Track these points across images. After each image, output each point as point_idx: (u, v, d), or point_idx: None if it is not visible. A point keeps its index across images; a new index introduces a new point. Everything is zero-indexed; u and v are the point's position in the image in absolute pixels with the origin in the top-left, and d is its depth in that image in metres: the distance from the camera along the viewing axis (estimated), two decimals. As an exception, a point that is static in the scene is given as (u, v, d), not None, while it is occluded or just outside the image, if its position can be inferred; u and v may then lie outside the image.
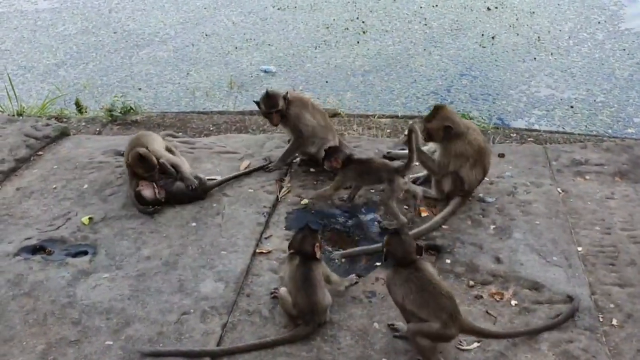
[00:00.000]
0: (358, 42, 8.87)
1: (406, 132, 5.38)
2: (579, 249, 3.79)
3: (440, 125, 4.01)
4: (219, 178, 4.44)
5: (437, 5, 10.12)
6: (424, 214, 4.12)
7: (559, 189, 4.35)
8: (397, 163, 4.11)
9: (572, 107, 6.94)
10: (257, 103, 4.48)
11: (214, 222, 4.07)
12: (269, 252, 3.82)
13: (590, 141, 5.21)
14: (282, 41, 8.96)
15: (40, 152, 5.00)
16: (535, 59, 8.18)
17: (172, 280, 3.60)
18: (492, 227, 3.98)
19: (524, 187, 4.36)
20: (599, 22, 9.24)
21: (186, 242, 3.89)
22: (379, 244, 3.26)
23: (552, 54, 8.30)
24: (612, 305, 3.38)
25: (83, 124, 5.83)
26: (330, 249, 3.84)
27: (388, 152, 4.67)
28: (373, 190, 4.34)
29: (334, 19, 9.68)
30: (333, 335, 3.23)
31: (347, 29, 9.33)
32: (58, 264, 3.73)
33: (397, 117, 6.17)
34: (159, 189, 4.20)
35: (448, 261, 3.70)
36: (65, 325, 3.30)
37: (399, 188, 3.97)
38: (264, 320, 3.33)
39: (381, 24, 9.50)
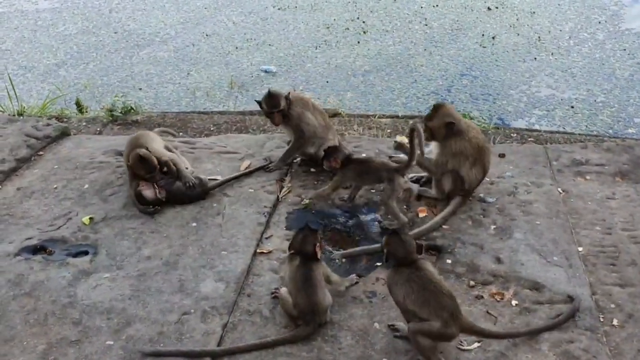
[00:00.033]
0: (358, 42, 8.87)
1: (407, 133, 5.42)
2: (580, 249, 3.79)
3: (441, 123, 4.01)
4: (219, 178, 4.44)
5: (437, 5, 10.12)
6: (423, 214, 4.12)
7: (559, 189, 4.35)
8: (397, 162, 4.12)
9: (572, 107, 6.94)
10: (259, 103, 4.48)
11: (215, 222, 4.07)
12: (270, 252, 3.82)
13: (591, 141, 5.21)
14: (282, 41, 8.96)
15: (40, 152, 5.01)
16: (535, 59, 8.18)
17: (172, 280, 3.60)
18: (493, 227, 3.98)
19: (524, 187, 4.36)
20: (599, 22, 9.24)
21: (187, 242, 3.89)
22: (380, 244, 3.26)
23: (552, 54, 8.30)
24: (612, 306, 3.38)
25: (84, 124, 5.83)
26: (330, 249, 3.84)
27: (390, 157, 4.62)
28: (374, 190, 4.34)
29: (334, 19, 9.68)
30: (334, 335, 3.23)
31: (348, 29, 9.33)
32: (59, 264, 3.73)
33: (397, 117, 6.17)
34: (160, 188, 4.20)
35: (449, 261, 3.70)
36: (66, 325, 3.30)
37: (399, 187, 3.97)
38: (264, 320, 3.33)
39: (382, 24, 9.50)
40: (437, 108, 4.08)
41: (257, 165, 4.63)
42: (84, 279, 3.62)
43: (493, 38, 8.82)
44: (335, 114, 5.93)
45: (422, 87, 7.51)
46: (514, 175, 4.51)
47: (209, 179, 4.37)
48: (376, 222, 4.07)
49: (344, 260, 3.76)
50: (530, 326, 3.24)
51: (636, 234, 3.91)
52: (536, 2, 10.15)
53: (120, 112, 5.87)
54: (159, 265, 3.72)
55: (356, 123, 5.69)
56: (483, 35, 8.93)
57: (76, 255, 3.83)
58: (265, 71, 8.03)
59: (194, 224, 4.06)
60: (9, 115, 5.87)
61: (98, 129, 5.69)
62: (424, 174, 4.39)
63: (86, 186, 4.47)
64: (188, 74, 8.03)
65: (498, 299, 3.43)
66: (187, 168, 4.42)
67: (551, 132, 5.79)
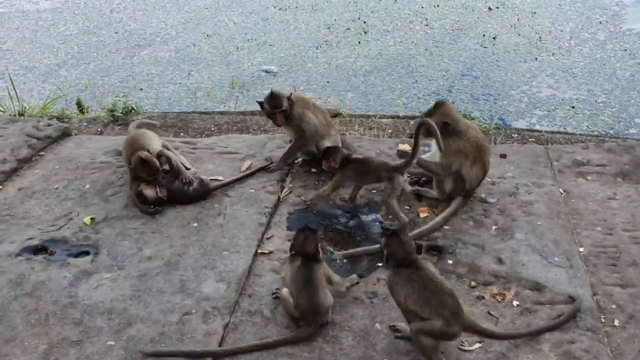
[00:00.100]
0: (359, 42, 8.87)
1: (408, 133, 5.42)
2: (581, 249, 3.79)
3: (439, 121, 4.01)
4: (221, 178, 4.44)
5: (438, 6, 10.12)
6: (424, 215, 4.11)
7: (560, 190, 4.35)
8: (396, 161, 4.12)
9: (573, 107, 6.94)
10: (261, 103, 4.48)
11: (216, 222, 4.07)
12: (271, 252, 3.82)
13: (592, 141, 5.21)
14: (283, 41, 8.96)
15: (41, 152, 5.01)
16: (536, 59, 8.18)
17: (173, 280, 3.60)
18: (494, 227, 3.98)
19: (525, 187, 4.36)
20: (600, 23, 9.24)
21: (188, 243, 3.90)
22: (380, 245, 3.26)
23: (553, 54, 8.30)
24: (613, 306, 3.38)
25: (84, 124, 5.83)
26: (331, 249, 3.84)
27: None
28: (374, 191, 4.33)
29: (335, 19, 9.68)
30: (335, 336, 3.23)
31: (349, 29, 9.33)
32: (60, 264, 3.73)
33: (398, 117, 6.17)
34: (161, 187, 4.21)
35: (450, 262, 3.70)
36: (67, 326, 3.30)
37: (399, 186, 3.97)
38: (265, 321, 3.33)
39: (382, 24, 9.50)
40: (437, 106, 4.08)
41: (258, 165, 4.62)
42: (85, 279, 3.62)
43: (494, 38, 8.82)
44: (336, 114, 5.93)
45: (423, 87, 7.51)
46: (515, 175, 4.51)
47: (210, 180, 4.37)
48: (377, 223, 4.07)
49: (345, 260, 3.76)
50: (532, 327, 3.24)
51: (637, 235, 3.90)
52: (537, 3, 10.15)
53: (121, 113, 5.88)
54: (160, 265, 3.72)
55: (357, 123, 5.69)
56: (484, 35, 8.93)
57: (77, 255, 3.83)
58: (266, 71, 8.03)
59: (195, 224, 4.06)
60: (9, 115, 5.87)
61: (99, 129, 5.69)
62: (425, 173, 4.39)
63: (87, 186, 4.47)
64: (189, 74, 8.03)
65: (499, 300, 3.43)
66: (188, 169, 4.42)
67: (552, 133, 5.78)
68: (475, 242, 3.85)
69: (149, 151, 4.22)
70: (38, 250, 3.87)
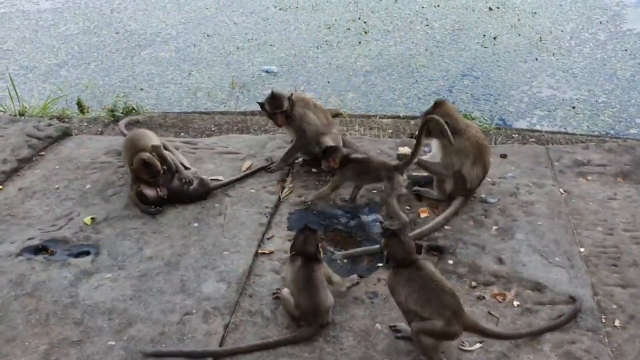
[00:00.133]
0: (360, 42, 8.87)
1: (408, 133, 5.42)
2: (581, 249, 3.79)
3: (437, 121, 4.00)
4: (221, 178, 4.44)
5: (438, 6, 10.11)
6: (424, 215, 4.11)
7: (561, 190, 4.35)
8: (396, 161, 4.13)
9: (574, 107, 6.94)
10: (261, 104, 4.48)
11: (216, 222, 4.07)
12: (271, 252, 3.82)
13: (593, 142, 5.21)
14: (283, 41, 8.96)
15: (42, 152, 5.00)
16: (537, 59, 8.17)
17: (174, 280, 3.60)
18: (495, 227, 3.98)
19: (526, 187, 4.35)
20: (600, 23, 9.23)
21: (188, 243, 3.90)
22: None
23: (553, 54, 8.29)
24: (614, 306, 3.38)
25: (85, 124, 5.83)
26: (332, 249, 3.84)
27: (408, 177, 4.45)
28: (375, 191, 4.33)
29: (335, 19, 9.68)
30: (335, 336, 3.23)
31: (349, 29, 9.33)
32: (60, 264, 3.73)
33: (399, 117, 6.17)
34: (161, 187, 4.21)
35: (450, 262, 3.70)
36: (67, 326, 3.30)
37: (398, 185, 3.97)
38: (266, 321, 3.33)
39: (383, 24, 9.50)
40: (436, 105, 4.08)
41: (259, 165, 4.62)
42: (85, 279, 3.62)
43: (494, 38, 8.82)
44: (336, 115, 5.92)
45: (423, 87, 7.51)
46: (516, 175, 4.51)
47: (210, 180, 4.37)
48: (377, 223, 4.07)
49: (345, 260, 3.76)
50: (532, 327, 3.24)
51: (638, 235, 3.90)
52: (537, 3, 10.14)
53: (122, 113, 5.88)
54: (160, 265, 3.72)
55: (357, 123, 5.69)
56: (484, 35, 8.93)
57: (78, 255, 3.83)
58: (267, 71, 8.03)
59: (196, 224, 4.06)
60: (10, 115, 5.87)
61: (99, 129, 5.69)
62: (425, 173, 4.39)
63: (88, 186, 4.47)
64: (189, 74, 8.03)
65: (500, 300, 3.43)
66: (188, 168, 4.42)
67: (552, 133, 5.78)
68: (476, 242, 3.85)
69: (151, 153, 4.22)
70: (38, 250, 3.87)
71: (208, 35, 9.22)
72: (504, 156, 4.74)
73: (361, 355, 3.12)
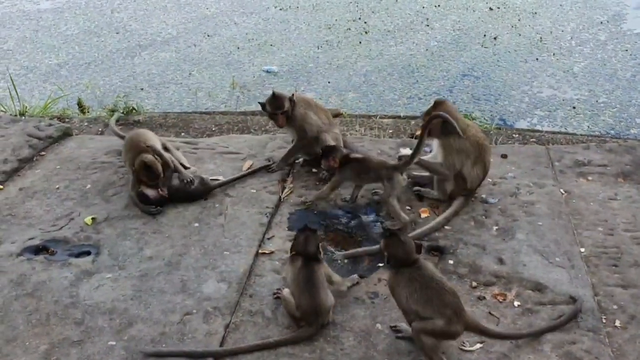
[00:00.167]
0: (360, 42, 8.87)
1: (409, 133, 5.42)
2: (582, 250, 3.79)
3: (438, 120, 4.01)
4: (221, 178, 4.44)
5: (439, 6, 10.12)
6: (425, 215, 4.11)
7: (561, 190, 4.35)
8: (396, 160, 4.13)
9: (574, 107, 6.94)
10: (263, 104, 4.48)
11: (217, 222, 4.07)
12: (272, 252, 3.82)
13: (593, 142, 5.21)
14: (284, 42, 8.96)
15: (43, 152, 5.01)
16: (537, 59, 8.17)
17: (174, 280, 3.60)
18: (495, 228, 3.98)
19: (526, 188, 4.35)
20: (601, 23, 9.24)
21: (189, 243, 3.90)
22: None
23: (554, 54, 8.30)
24: (615, 307, 3.38)
25: (85, 124, 5.83)
26: (332, 249, 3.84)
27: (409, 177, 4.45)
28: (374, 191, 4.33)
29: (336, 20, 9.68)
30: (336, 336, 3.23)
31: (350, 29, 9.33)
32: (61, 264, 3.73)
33: (399, 117, 6.17)
34: (162, 187, 4.21)
35: (451, 262, 3.70)
36: (68, 326, 3.30)
37: (398, 185, 3.97)
38: (266, 321, 3.33)
39: (383, 24, 9.50)
40: (436, 105, 4.08)
41: (259, 165, 4.63)
42: (86, 279, 3.62)
43: (495, 39, 8.82)
44: (337, 115, 5.92)
45: (423, 87, 7.51)
46: (516, 176, 4.51)
47: (210, 179, 4.37)
48: (378, 223, 4.07)
49: (345, 261, 3.76)
50: (533, 327, 3.23)
51: (638, 235, 3.90)
52: (538, 3, 10.15)
53: (122, 113, 5.87)
54: (161, 265, 3.72)
55: (358, 123, 5.69)
56: (485, 35, 8.93)
57: (78, 255, 3.83)
58: (267, 71, 8.03)
59: (196, 224, 4.06)
60: (11, 115, 5.87)
61: (100, 129, 5.69)
62: (426, 173, 4.39)
63: (88, 186, 4.47)
64: (190, 74, 8.04)
65: (500, 300, 3.43)
66: (187, 168, 4.43)
67: (553, 133, 5.78)
68: (476, 242, 3.85)
69: (153, 154, 4.22)
70: (39, 250, 3.87)
71: (208, 36, 9.22)
72: (504, 156, 4.74)
73: (362, 356, 3.12)
